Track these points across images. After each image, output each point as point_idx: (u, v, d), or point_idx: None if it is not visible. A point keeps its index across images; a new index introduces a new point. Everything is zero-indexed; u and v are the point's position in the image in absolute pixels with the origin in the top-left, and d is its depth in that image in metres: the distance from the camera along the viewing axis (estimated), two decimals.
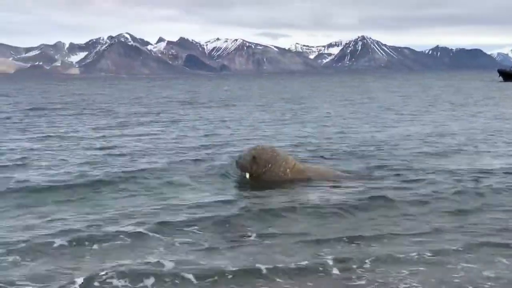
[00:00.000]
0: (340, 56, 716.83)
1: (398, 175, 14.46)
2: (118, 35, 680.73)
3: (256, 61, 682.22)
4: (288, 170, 13.59)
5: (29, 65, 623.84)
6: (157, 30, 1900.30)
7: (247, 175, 13.54)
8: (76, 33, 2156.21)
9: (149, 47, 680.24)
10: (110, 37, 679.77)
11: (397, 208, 11.20)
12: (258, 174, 13.57)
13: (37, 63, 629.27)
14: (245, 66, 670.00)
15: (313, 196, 12.43)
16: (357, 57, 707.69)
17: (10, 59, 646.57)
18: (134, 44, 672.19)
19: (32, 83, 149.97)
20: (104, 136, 22.92)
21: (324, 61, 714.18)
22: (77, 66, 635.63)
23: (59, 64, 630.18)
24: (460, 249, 8.46)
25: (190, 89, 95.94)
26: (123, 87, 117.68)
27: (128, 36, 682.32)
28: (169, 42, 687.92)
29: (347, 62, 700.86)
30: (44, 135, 23.42)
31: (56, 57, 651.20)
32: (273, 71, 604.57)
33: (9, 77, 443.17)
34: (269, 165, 13.51)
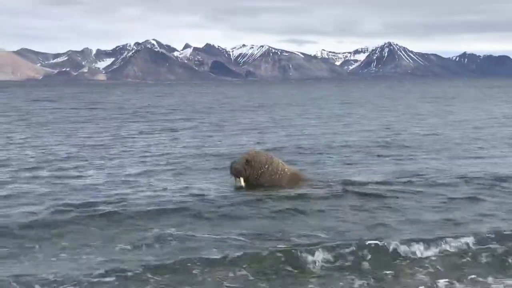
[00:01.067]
0: (367, 63, 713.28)
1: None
2: (145, 41, 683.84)
3: (281, 68, 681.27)
4: (286, 169, 13.84)
5: (56, 71, 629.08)
6: (183, 36, 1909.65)
7: (242, 180, 13.52)
8: (103, 39, 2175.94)
9: (175, 53, 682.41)
10: (137, 44, 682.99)
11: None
12: (253, 178, 13.53)
13: (64, 69, 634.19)
14: (271, 72, 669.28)
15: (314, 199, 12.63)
16: (384, 63, 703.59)
17: (38, 65, 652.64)
18: (160, 50, 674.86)
19: (70, 89, 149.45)
20: None
21: (350, 67, 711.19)
22: (103, 72, 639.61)
23: (86, 70, 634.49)
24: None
25: (244, 94, 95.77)
26: (174, 92, 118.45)
27: (154, 42, 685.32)
28: (195, 49, 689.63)
29: (373, 68, 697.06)
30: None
31: (83, 63, 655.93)
32: (298, 77, 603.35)
33: (37, 82, 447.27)
34: (266, 166, 13.56)
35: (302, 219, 11.19)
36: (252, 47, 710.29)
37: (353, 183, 14.12)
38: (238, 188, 13.56)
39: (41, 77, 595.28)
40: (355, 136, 25.92)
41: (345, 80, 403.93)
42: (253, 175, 13.61)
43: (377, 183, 14.34)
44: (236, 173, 13.61)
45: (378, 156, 19.40)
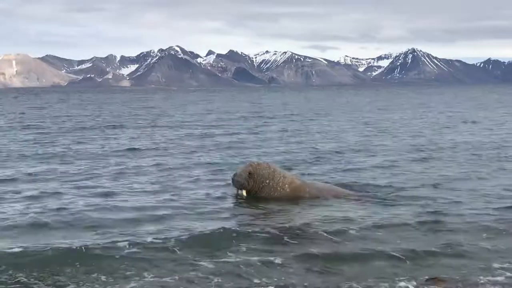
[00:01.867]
0: (390, 69, 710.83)
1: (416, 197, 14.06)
2: (168, 48, 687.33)
3: (304, 74, 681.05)
4: (286, 185, 13.51)
5: (81, 77, 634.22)
6: (206, 43, 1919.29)
7: (244, 193, 13.48)
8: (127, 46, 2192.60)
9: (198, 59, 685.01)
10: (161, 50, 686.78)
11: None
12: (254, 191, 13.50)
13: (89, 75, 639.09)
14: (294, 78, 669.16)
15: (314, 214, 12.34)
16: (407, 69, 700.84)
17: (63, 71, 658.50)
18: (184, 57, 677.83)
19: (99, 95, 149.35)
20: None
21: (374, 73, 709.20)
22: (128, 78, 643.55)
23: (111, 77, 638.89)
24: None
25: (281, 100, 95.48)
26: (217, 97, 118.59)
27: (178, 49, 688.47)
28: (218, 55, 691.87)
29: (397, 74, 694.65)
30: None
31: (107, 69, 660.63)
32: (321, 83, 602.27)
33: (62, 89, 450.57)
34: (267, 181, 13.43)
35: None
36: (275, 53, 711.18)
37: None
38: (239, 199, 13.63)
39: (66, 84, 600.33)
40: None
41: (369, 86, 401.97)
42: (254, 188, 13.56)
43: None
44: (238, 186, 13.60)
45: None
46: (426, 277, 8.43)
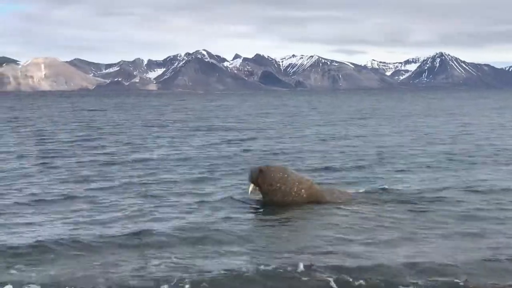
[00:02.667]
0: (418, 73, 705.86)
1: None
2: (195, 51, 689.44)
3: (331, 78, 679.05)
4: (303, 190, 13.33)
5: (108, 81, 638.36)
6: (233, 46, 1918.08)
7: (251, 187, 13.60)
8: (154, 50, 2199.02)
9: (225, 63, 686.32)
10: (187, 54, 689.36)
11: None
12: (264, 191, 13.47)
13: (116, 79, 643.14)
14: (320, 82, 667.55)
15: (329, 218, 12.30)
16: (435, 73, 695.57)
17: (91, 75, 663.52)
18: (210, 60, 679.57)
19: (131, 99, 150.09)
20: None
21: (401, 77, 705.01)
22: (155, 82, 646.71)
23: (138, 80, 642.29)
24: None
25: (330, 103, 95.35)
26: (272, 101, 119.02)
27: (205, 52, 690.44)
28: (245, 59, 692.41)
29: (425, 79, 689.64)
30: None
31: (134, 73, 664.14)
32: (348, 87, 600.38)
33: (90, 92, 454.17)
34: (278, 185, 13.26)
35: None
36: (302, 57, 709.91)
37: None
38: (250, 194, 13.89)
39: (93, 87, 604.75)
40: None
41: (397, 91, 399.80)
42: (263, 187, 13.46)
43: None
44: (248, 178, 13.75)
45: None
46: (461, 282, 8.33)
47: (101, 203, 13.97)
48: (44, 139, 30.99)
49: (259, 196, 13.82)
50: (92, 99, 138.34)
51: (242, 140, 30.23)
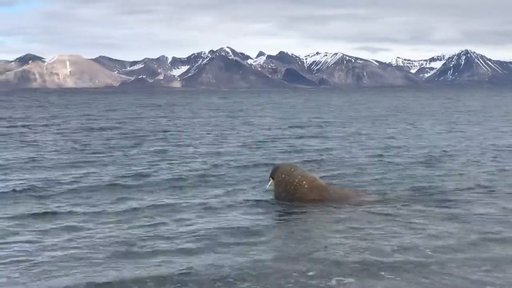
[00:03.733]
0: (442, 71, 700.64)
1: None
2: (219, 49, 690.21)
3: (355, 75, 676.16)
4: (304, 182, 14.21)
5: (133, 78, 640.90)
6: (257, 44, 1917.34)
7: (270, 181, 14.90)
8: (178, 47, 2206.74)
9: (249, 61, 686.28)
10: (211, 51, 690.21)
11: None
12: (274, 184, 14.76)
13: (140, 76, 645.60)
14: (344, 80, 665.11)
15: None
16: (460, 71, 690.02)
17: (115, 72, 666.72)
18: (234, 58, 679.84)
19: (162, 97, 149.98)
20: None
21: (426, 75, 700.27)
22: (179, 79, 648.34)
23: (162, 78, 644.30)
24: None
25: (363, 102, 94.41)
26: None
27: (229, 50, 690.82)
28: (269, 56, 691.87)
29: (450, 76, 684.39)
30: None
31: (159, 70, 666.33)
32: (372, 85, 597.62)
33: (116, 89, 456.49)
34: (282, 176, 14.45)
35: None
36: (326, 55, 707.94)
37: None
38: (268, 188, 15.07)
39: (118, 84, 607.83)
40: None
41: (423, 88, 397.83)
42: (275, 181, 14.78)
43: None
44: (270, 175, 15.00)
45: None
46: None
47: None
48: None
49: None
50: (130, 97, 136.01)
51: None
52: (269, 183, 14.97)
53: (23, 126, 38.44)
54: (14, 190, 15.20)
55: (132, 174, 18.04)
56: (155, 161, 21.43)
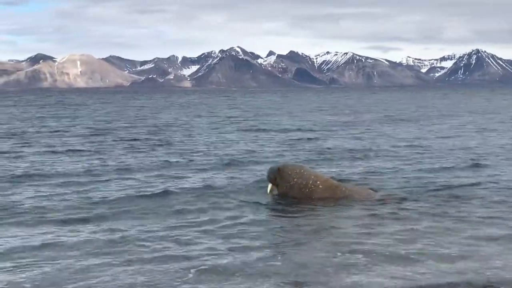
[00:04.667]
0: (453, 70, 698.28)
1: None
2: (229, 48, 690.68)
3: (366, 75, 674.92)
4: (318, 182, 13.65)
5: (143, 77, 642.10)
6: (267, 43, 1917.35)
7: (269, 186, 13.91)
8: (188, 47, 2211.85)
9: (259, 60, 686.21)
10: (222, 51, 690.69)
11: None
12: (283, 189, 13.78)
13: (151, 76, 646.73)
14: (355, 79, 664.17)
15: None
16: (471, 71, 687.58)
17: (126, 72, 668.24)
18: (244, 57, 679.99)
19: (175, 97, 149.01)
20: None
21: (437, 75, 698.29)
22: (189, 79, 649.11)
23: (172, 77, 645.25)
24: None
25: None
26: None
27: (239, 49, 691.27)
28: (279, 56, 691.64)
29: (460, 76, 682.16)
30: None
31: (169, 70, 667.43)
32: (383, 84, 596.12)
33: (126, 89, 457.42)
34: (294, 180, 13.61)
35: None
36: (336, 54, 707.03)
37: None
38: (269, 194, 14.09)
39: (128, 84, 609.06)
40: None
41: (433, 88, 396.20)
42: (282, 186, 13.79)
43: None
44: (267, 179, 14.09)
45: None
46: None
47: None
48: None
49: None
50: (161, 98, 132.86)
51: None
52: (269, 188, 14.03)
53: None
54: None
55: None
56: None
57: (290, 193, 13.73)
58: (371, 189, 14.59)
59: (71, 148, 24.97)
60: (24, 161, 20.73)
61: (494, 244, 10.10)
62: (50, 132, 34.23)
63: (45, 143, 27.19)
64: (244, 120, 46.39)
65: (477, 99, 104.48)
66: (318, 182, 13.75)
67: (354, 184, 15.31)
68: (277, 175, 13.84)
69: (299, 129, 35.50)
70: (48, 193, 14.67)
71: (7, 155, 22.50)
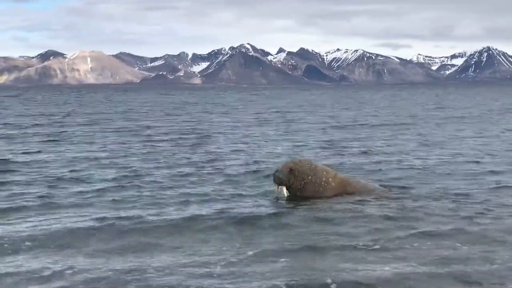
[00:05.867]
0: (464, 68, 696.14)
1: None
2: (239, 45, 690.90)
3: (376, 72, 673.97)
4: (330, 179, 13.18)
5: (153, 74, 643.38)
6: (277, 40, 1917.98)
7: (284, 190, 12.98)
8: (198, 43, 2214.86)
9: (269, 57, 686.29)
10: (232, 48, 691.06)
11: None
12: (296, 188, 13.01)
13: (161, 72, 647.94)
14: (365, 77, 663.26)
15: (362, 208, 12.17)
16: (482, 68, 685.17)
17: (136, 68, 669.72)
18: (254, 54, 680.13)
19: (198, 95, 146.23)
20: None
21: (447, 72, 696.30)
22: (199, 76, 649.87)
23: (182, 74, 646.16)
24: None
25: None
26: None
27: (249, 46, 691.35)
28: (289, 53, 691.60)
29: (471, 73, 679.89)
30: None
31: (179, 67, 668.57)
32: (393, 82, 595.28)
33: (137, 86, 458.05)
34: (309, 177, 13.04)
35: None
36: (346, 51, 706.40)
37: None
38: (280, 198, 13.17)
39: (138, 81, 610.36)
40: None
41: (444, 85, 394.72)
42: (296, 185, 12.99)
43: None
44: (278, 182, 12.94)
45: None
46: None
47: None
48: None
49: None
50: (195, 95, 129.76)
51: None
52: (285, 191, 13.00)
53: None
54: None
55: None
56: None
57: (304, 193, 13.11)
58: (382, 185, 14.44)
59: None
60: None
61: None
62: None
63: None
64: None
65: None
66: (330, 178, 13.27)
67: (359, 178, 15.09)
68: (290, 176, 12.96)
69: None
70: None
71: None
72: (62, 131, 30.50)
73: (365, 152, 21.78)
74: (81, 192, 13.85)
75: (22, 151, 21.64)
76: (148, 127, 33.69)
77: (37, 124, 35.82)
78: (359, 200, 12.82)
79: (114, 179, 15.63)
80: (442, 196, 13.47)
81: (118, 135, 28.81)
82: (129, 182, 15.14)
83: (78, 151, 21.72)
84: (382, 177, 16.12)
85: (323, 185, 13.09)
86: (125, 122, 37.91)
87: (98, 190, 14.07)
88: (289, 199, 12.99)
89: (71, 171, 16.97)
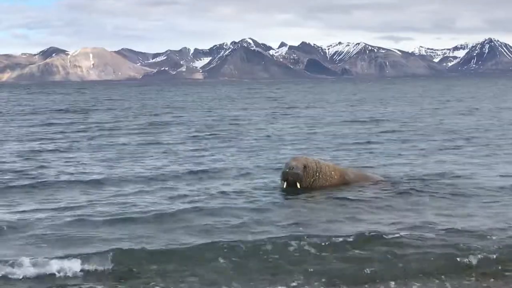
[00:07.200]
0: (466, 60, 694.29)
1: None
2: (241, 40, 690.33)
3: (378, 65, 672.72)
4: (333, 172, 14.04)
5: (155, 70, 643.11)
6: (279, 35, 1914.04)
7: (298, 185, 13.56)
8: (200, 39, 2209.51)
9: (271, 52, 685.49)
10: (233, 43, 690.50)
11: None
12: (307, 184, 13.70)
13: (163, 68, 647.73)
14: (367, 70, 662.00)
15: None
16: (484, 60, 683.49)
17: (138, 64, 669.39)
18: (256, 49, 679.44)
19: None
20: None
21: (449, 64, 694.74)
22: (201, 71, 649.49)
23: (184, 69, 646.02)
24: None
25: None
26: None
27: (250, 41, 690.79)
28: (290, 47, 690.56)
29: (473, 65, 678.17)
30: None
31: (181, 62, 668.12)
32: (395, 75, 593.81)
33: (138, 82, 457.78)
34: (317, 174, 13.80)
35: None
36: (348, 45, 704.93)
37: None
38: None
39: (140, 77, 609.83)
40: None
41: (446, 78, 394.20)
42: (306, 181, 13.72)
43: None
44: (296, 178, 13.55)
45: None
46: None
47: None
48: None
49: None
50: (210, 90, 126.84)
51: None
52: (298, 186, 13.56)
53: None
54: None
55: None
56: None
57: (313, 186, 13.78)
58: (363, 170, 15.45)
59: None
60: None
61: None
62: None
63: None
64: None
65: None
66: (332, 172, 14.11)
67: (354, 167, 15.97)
68: (303, 174, 13.56)
69: None
70: None
71: None
72: None
73: None
74: None
75: None
76: None
77: None
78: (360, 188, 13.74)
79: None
80: None
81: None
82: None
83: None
84: None
85: (329, 179, 13.93)
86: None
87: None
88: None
89: None
